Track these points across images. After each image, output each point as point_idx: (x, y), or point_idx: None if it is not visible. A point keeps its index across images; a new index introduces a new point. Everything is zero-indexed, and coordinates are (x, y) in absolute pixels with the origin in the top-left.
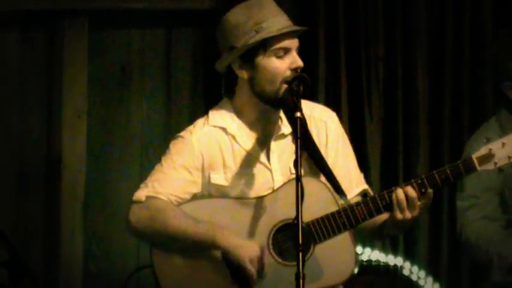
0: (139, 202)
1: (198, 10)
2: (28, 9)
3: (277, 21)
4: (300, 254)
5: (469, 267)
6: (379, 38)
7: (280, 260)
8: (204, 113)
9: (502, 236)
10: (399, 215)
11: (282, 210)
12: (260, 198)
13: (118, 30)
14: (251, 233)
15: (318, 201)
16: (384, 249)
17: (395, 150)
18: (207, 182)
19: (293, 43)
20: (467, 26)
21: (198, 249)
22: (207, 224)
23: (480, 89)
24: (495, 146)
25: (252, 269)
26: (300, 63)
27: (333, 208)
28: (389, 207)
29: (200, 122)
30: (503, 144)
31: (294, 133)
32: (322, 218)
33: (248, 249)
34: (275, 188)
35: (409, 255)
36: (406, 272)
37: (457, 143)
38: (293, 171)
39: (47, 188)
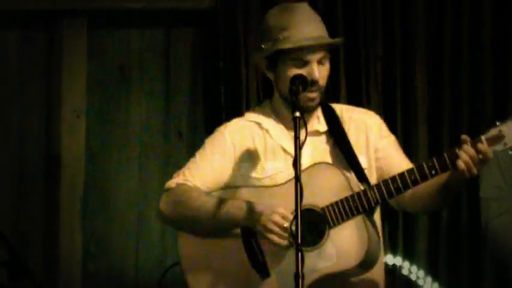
0: (169, 190)
1: (197, 10)
2: (27, 9)
3: (300, 32)
4: (299, 253)
5: (468, 266)
6: (378, 38)
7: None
8: (203, 112)
9: None
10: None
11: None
12: (280, 186)
13: (117, 30)
14: None
15: (332, 187)
16: (383, 249)
17: None
18: (238, 173)
19: (314, 56)
20: (466, 26)
21: (221, 228)
22: (229, 201)
23: (479, 89)
24: (505, 127)
25: (276, 237)
26: (315, 76)
27: (347, 193)
28: (400, 190)
29: (237, 118)
30: None
31: (329, 131)
32: (336, 203)
33: (270, 210)
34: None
35: (408, 255)
36: (405, 271)
37: (456, 143)
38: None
39: (45, 187)
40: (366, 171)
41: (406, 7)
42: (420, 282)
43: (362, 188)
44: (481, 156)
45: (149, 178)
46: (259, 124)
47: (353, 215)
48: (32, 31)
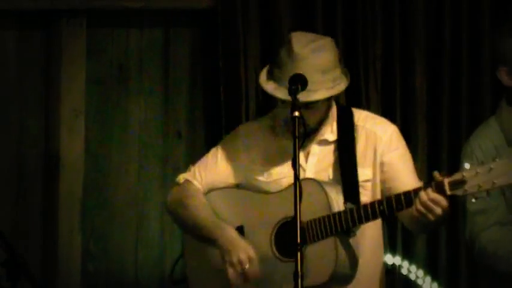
0: (178, 184)
1: (196, 9)
2: (26, 8)
3: (283, 80)
4: (299, 253)
5: (467, 266)
6: (377, 37)
7: (277, 255)
8: (202, 112)
9: None
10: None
11: (288, 207)
12: (275, 194)
13: (116, 29)
14: (258, 227)
15: (312, 204)
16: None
17: None
18: (245, 174)
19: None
20: (466, 25)
21: (206, 241)
22: (216, 221)
23: (478, 89)
24: (468, 173)
25: (228, 272)
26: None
27: (325, 212)
28: (368, 218)
29: (258, 118)
30: (477, 173)
31: (338, 141)
32: (315, 220)
33: (233, 252)
34: None
35: (408, 254)
36: (404, 271)
37: (455, 142)
38: (331, 177)
39: (44, 187)
40: (369, 183)
41: (406, 7)
42: (419, 281)
43: (343, 208)
44: (436, 204)
45: (148, 178)
46: (273, 128)
47: (328, 235)
48: (30, 30)
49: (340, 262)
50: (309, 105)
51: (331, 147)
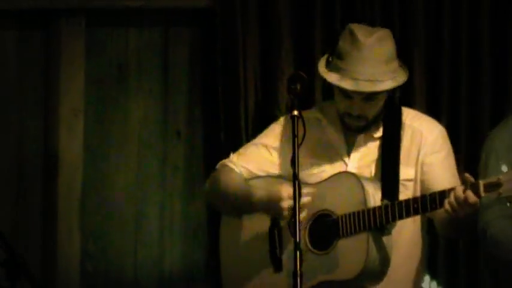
0: (215, 170)
1: (196, 8)
2: (25, 7)
3: (350, 70)
4: (298, 252)
5: (466, 265)
6: None
7: (310, 247)
8: (201, 111)
9: None
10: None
11: (324, 200)
12: (311, 186)
13: (115, 29)
14: None
15: (348, 197)
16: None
17: None
18: (285, 164)
19: (356, 94)
20: (465, 25)
21: (247, 210)
22: (252, 186)
23: (478, 89)
24: (505, 177)
25: (287, 206)
26: (353, 111)
27: (360, 207)
28: (402, 216)
29: (306, 110)
30: None
31: (383, 137)
32: (349, 214)
33: (283, 190)
34: None
35: None
36: None
37: (455, 142)
38: (373, 173)
39: (44, 186)
40: (411, 182)
41: (405, 6)
42: None
43: (379, 205)
44: (467, 201)
45: (147, 177)
46: (319, 120)
47: (361, 230)
48: (29, 30)
49: (370, 259)
50: (372, 97)
51: (377, 143)
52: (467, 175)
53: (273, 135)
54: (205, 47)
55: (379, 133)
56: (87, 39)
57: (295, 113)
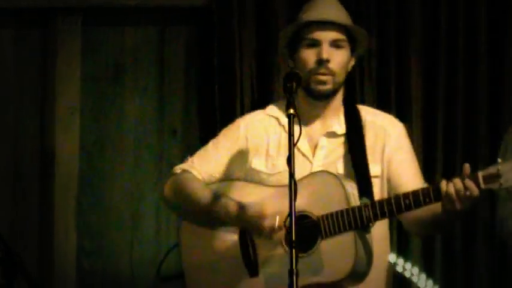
0: (174, 174)
1: (192, 7)
2: (22, 6)
3: (313, 13)
4: (293, 251)
5: (462, 263)
6: (372, 35)
7: (287, 249)
8: (197, 110)
9: None
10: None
11: (298, 201)
12: (281, 188)
13: (111, 28)
14: None
15: (329, 197)
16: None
17: None
18: (248, 166)
19: (324, 35)
20: (462, 24)
21: (214, 222)
22: (225, 197)
23: (474, 87)
24: (504, 167)
25: (266, 228)
26: (322, 55)
27: (343, 206)
28: (392, 213)
29: (259, 110)
30: None
31: (347, 134)
32: (331, 214)
33: (262, 210)
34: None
35: (403, 252)
36: (399, 268)
37: (451, 141)
38: (339, 170)
39: (40, 184)
40: (377, 179)
41: (401, 4)
42: (415, 279)
43: (360, 203)
44: (468, 193)
45: (143, 176)
46: (277, 119)
47: (345, 230)
48: (26, 28)
49: (359, 259)
50: (338, 44)
51: (340, 140)
52: (466, 165)
53: (233, 136)
54: (202, 46)
55: (341, 130)
56: (84, 38)
57: (291, 111)
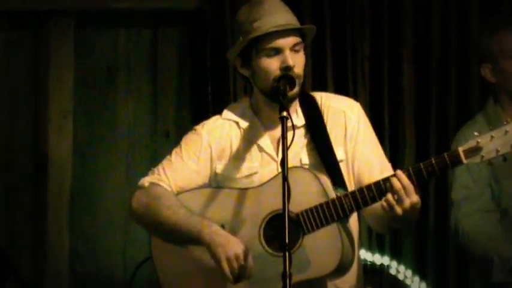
0: (142, 188)
1: (185, 10)
2: (14, 9)
3: (269, 21)
4: (287, 253)
5: (455, 266)
6: (365, 37)
7: (269, 250)
8: (190, 112)
9: (499, 231)
10: (386, 205)
11: (274, 201)
12: (254, 189)
13: (104, 30)
14: (243, 223)
15: (307, 192)
16: (371, 248)
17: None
18: (214, 173)
19: (285, 42)
20: (454, 26)
21: (186, 241)
22: (197, 218)
23: (466, 88)
24: (483, 139)
25: (226, 268)
26: (289, 62)
27: (322, 199)
28: (375, 199)
29: (215, 116)
30: (492, 137)
31: (307, 125)
32: (311, 209)
33: (228, 247)
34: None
35: (396, 254)
36: (392, 271)
37: (443, 141)
38: (304, 161)
39: (33, 187)
40: (343, 163)
41: (394, 7)
42: (408, 281)
43: (336, 194)
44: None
45: (136, 178)
46: (236, 123)
47: (328, 223)
48: (19, 31)
49: (345, 250)
50: (297, 48)
51: (301, 131)
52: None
53: (197, 145)
54: (195, 48)
55: (301, 121)
56: (76, 41)
57: (284, 114)
